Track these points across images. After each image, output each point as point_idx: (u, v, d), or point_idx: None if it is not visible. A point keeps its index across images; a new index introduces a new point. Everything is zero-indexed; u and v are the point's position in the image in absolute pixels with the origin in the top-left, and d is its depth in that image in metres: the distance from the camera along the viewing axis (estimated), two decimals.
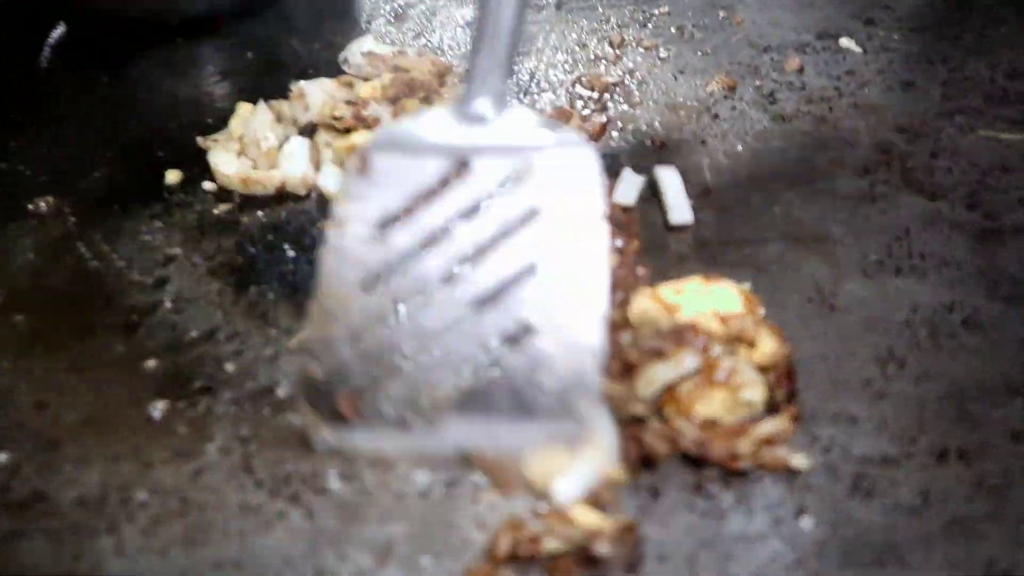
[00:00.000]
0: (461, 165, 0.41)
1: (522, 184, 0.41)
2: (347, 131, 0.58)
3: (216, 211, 0.55)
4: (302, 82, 0.63)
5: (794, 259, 0.47)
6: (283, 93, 0.64)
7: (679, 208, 0.49)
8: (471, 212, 0.40)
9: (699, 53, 0.66)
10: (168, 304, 0.48)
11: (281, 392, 0.42)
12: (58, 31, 0.80)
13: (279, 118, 0.61)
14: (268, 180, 0.56)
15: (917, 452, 0.36)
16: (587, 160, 0.41)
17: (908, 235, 0.48)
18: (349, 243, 0.40)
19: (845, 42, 0.66)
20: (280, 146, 0.58)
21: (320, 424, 0.38)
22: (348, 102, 0.60)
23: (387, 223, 0.41)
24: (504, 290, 0.39)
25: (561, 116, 0.59)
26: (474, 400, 0.37)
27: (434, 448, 0.37)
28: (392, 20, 0.76)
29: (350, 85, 0.63)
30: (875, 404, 0.39)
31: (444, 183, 0.41)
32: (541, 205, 0.40)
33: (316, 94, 0.62)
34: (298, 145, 0.58)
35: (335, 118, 0.58)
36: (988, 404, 0.38)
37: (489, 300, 0.38)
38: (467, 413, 0.37)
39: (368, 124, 0.57)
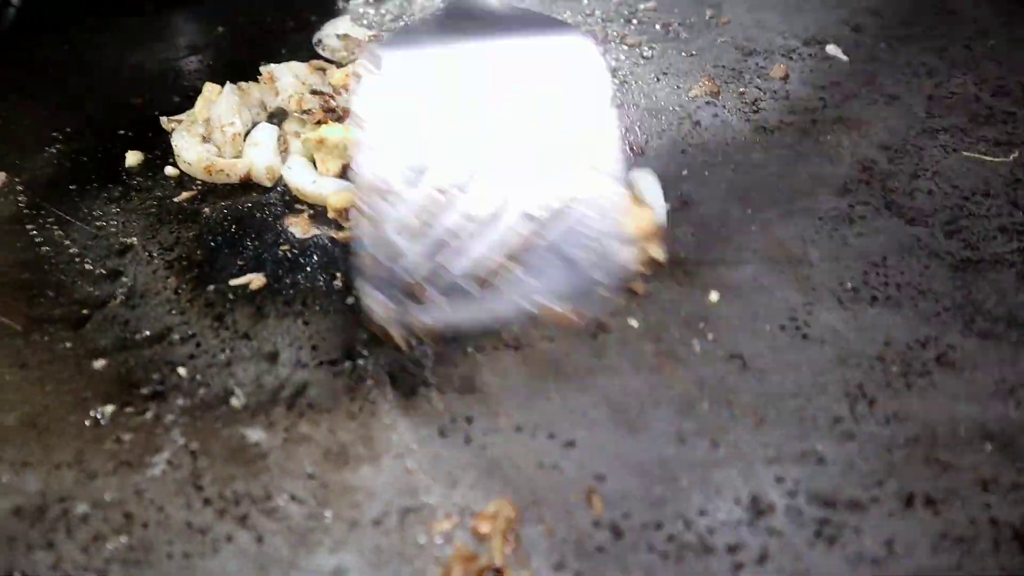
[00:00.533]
0: (472, 58, 0.44)
1: (530, 72, 0.44)
2: (317, 122, 0.56)
3: (177, 199, 0.53)
4: (272, 66, 0.61)
5: (769, 282, 0.45)
6: (254, 73, 0.61)
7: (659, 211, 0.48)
8: (488, 103, 0.43)
9: (683, 54, 0.64)
10: (120, 298, 0.46)
11: (235, 402, 0.40)
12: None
13: (247, 102, 0.59)
14: (232, 170, 0.54)
15: (883, 497, 0.36)
16: (586, 46, 0.45)
17: (885, 262, 0.47)
18: (380, 141, 0.42)
19: (832, 49, 0.64)
20: (246, 133, 0.56)
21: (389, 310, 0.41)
22: (316, 92, 0.58)
23: (413, 119, 0.43)
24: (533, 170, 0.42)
25: None
26: (525, 263, 0.41)
27: (500, 311, 0.40)
28: (370, 1, 0.73)
29: (323, 71, 0.61)
30: (843, 444, 0.38)
31: (458, 75, 0.44)
32: (550, 91, 0.43)
33: (287, 79, 0.60)
34: (265, 133, 0.56)
35: (304, 111, 0.56)
36: (958, 450, 0.37)
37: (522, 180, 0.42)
38: (521, 275, 0.40)
39: (339, 116, 0.55)
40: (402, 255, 0.40)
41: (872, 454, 0.37)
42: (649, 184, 0.50)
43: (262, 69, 0.61)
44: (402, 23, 0.70)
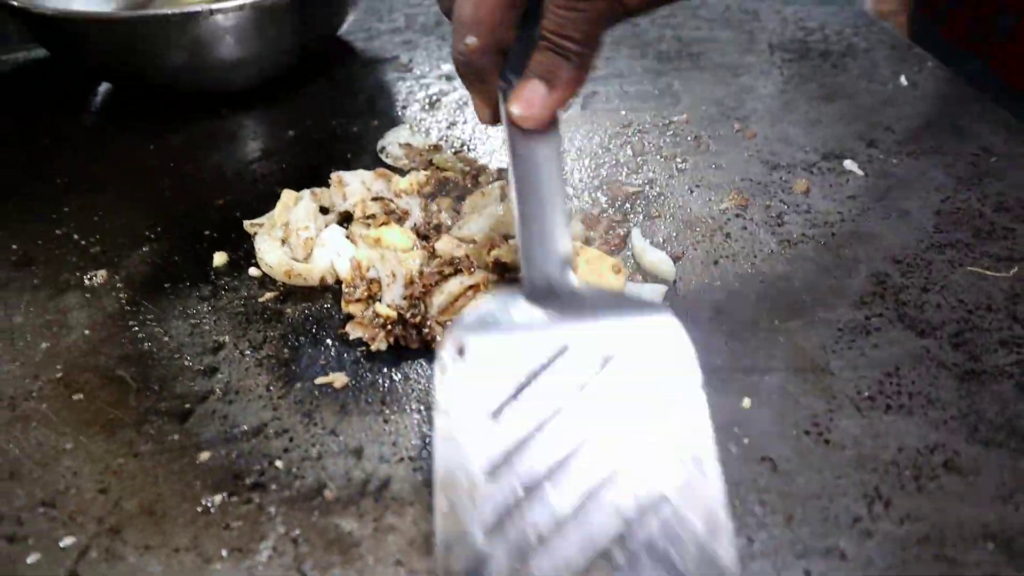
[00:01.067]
0: (557, 344, 0.43)
1: (618, 358, 0.43)
2: (379, 225, 0.62)
3: (261, 299, 0.59)
4: (342, 172, 0.67)
5: (795, 390, 0.51)
6: (323, 176, 0.68)
7: None
8: (576, 390, 0.42)
9: (714, 167, 0.71)
10: (219, 393, 0.52)
11: (328, 494, 0.46)
12: (103, 89, 0.85)
13: (321, 207, 0.65)
14: (309, 273, 0.60)
15: None
16: (673, 327, 0.44)
17: (898, 372, 0.52)
18: (462, 432, 0.41)
19: (849, 164, 0.71)
20: (317, 234, 0.63)
21: None
22: (378, 198, 0.64)
23: (497, 408, 0.41)
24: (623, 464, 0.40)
25: (589, 223, 0.63)
26: (618, 563, 0.38)
27: None
28: (426, 108, 0.80)
29: (387, 178, 0.67)
30: (862, 541, 0.43)
31: (544, 363, 0.42)
32: (639, 377, 0.42)
33: (354, 184, 0.66)
34: (333, 235, 0.62)
35: (368, 216, 0.63)
36: (964, 548, 0.43)
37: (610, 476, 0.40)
38: None
39: (399, 217, 0.62)
40: (485, 560, 0.38)
41: (888, 551, 0.43)
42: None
43: (332, 175, 0.67)
44: (456, 132, 0.77)
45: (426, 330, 0.54)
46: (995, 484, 0.46)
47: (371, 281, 0.57)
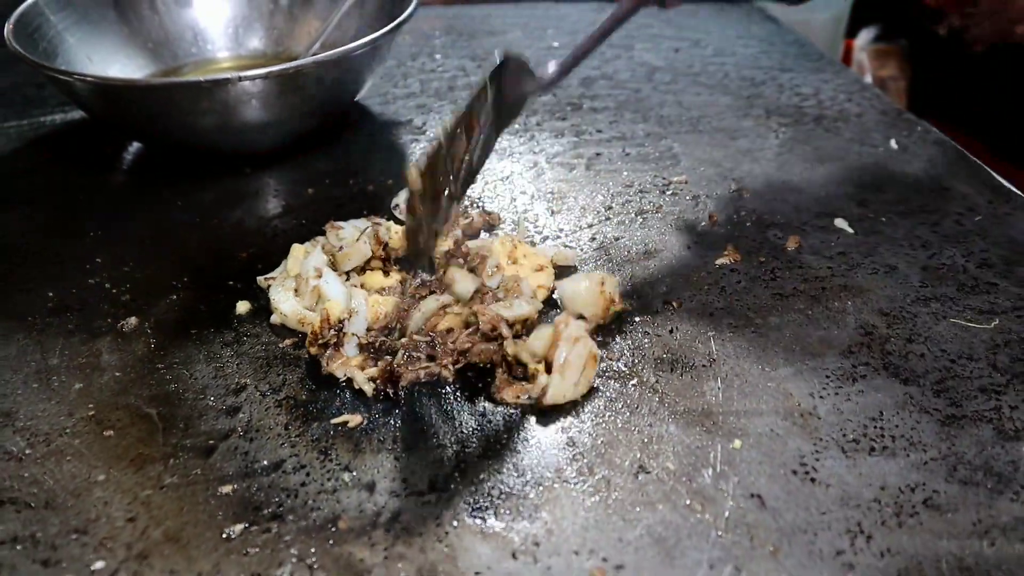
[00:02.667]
0: None
1: None
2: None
3: (281, 345, 0.63)
4: (337, 221, 0.71)
5: (784, 432, 0.54)
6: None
7: None
8: None
9: (710, 225, 0.75)
10: (240, 431, 0.56)
11: (342, 524, 0.49)
12: (134, 149, 0.90)
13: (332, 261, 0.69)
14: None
15: None
16: None
17: (882, 416, 0.55)
18: None
19: (839, 222, 0.75)
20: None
21: None
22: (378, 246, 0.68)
23: None
24: None
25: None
26: None
27: None
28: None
29: (379, 225, 0.71)
30: (845, 574, 0.46)
31: None
32: None
33: (347, 230, 0.70)
34: (329, 280, 0.65)
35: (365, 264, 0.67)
36: None
37: None
38: None
39: (386, 260, 0.67)
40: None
41: None
42: None
43: (328, 224, 0.71)
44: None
45: (404, 361, 0.59)
46: (972, 521, 0.48)
47: (340, 325, 0.61)
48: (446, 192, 0.59)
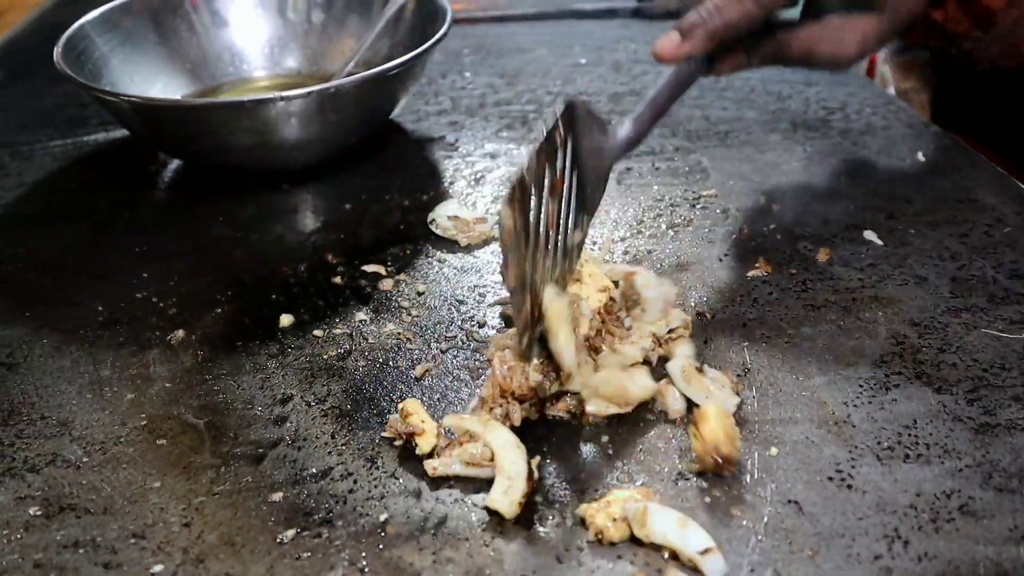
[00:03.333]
0: None
1: None
2: None
3: (325, 356, 0.65)
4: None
5: (819, 440, 0.55)
6: (376, 246, 0.75)
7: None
8: None
9: (741, 238, 0.76)
10: (288, 440, 0.58)
11: (390, 530, 0.50)
12: (174, 167, 0.93)
13: None
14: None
15: None
16: None
17: (916, 425, 0.56)
18: None
19: (869, 235, 0.76)
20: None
21: None
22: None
23: None
24: None
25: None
26: None
27: None
28: (472, 183, 0.87)
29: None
30: None
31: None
32: None
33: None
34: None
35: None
36: None
37: None
38: None
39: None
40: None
41: None
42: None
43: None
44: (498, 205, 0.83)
45: None
46: (1008, 527, 0.49)
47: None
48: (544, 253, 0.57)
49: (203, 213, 0.84)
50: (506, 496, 0.51)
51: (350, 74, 0.93)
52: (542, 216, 0.55)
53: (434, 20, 0.92)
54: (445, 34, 0.88)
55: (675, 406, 0.58)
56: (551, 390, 0.57)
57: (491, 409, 0.57)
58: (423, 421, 0.56)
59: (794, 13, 0.68)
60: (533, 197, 0.54)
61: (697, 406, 0.57)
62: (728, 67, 0.68)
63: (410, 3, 0.99)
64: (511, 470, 0.51)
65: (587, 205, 0.63)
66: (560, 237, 0.60)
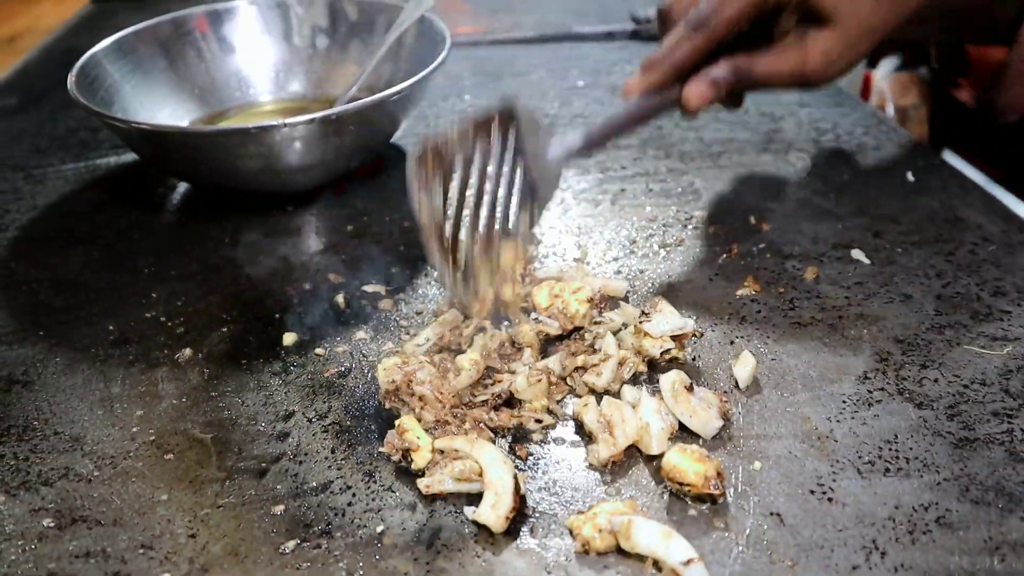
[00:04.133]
0: None
1: None
2: None
3: (326, 374, 0.67)
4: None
5: (801, 454, 0.57)
6: (377, 266, 0.77)
7: None
8: None
9: (731, 258, 0.78)
10: (290, 455, 0.60)
11: (387, 541, 0.53)
12: (182, 190, 0.95)
13: None
14: None
15: None
16: None
17: (897, 440, 0.58)
18: None
19: (856, 253, 0.78)
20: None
21: None
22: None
23: None
24: None
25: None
26: None
27: None
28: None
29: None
30: None
31: None
32: None
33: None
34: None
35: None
36: None
37: None
38: None
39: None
40: None
41: None
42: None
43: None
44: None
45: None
46: (983, 538, 0.51)
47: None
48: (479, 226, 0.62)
49: (210, 235, 0.87)
50: (494, 511, 0.53)
51: (353, 98, 0.96)
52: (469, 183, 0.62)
53: (434, 45, 0.95)
54: (444, 60, 0.91)
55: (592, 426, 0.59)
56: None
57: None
58: (418, 437, 0.58)
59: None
60: (458, 162, 0.61)
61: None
62: (696, 99, 0.68)
63: (412, 29, 1.02)
64: (498, 485, 0.54)
65: (536, 196, 0.66)
66: (496, 211, 0.63)
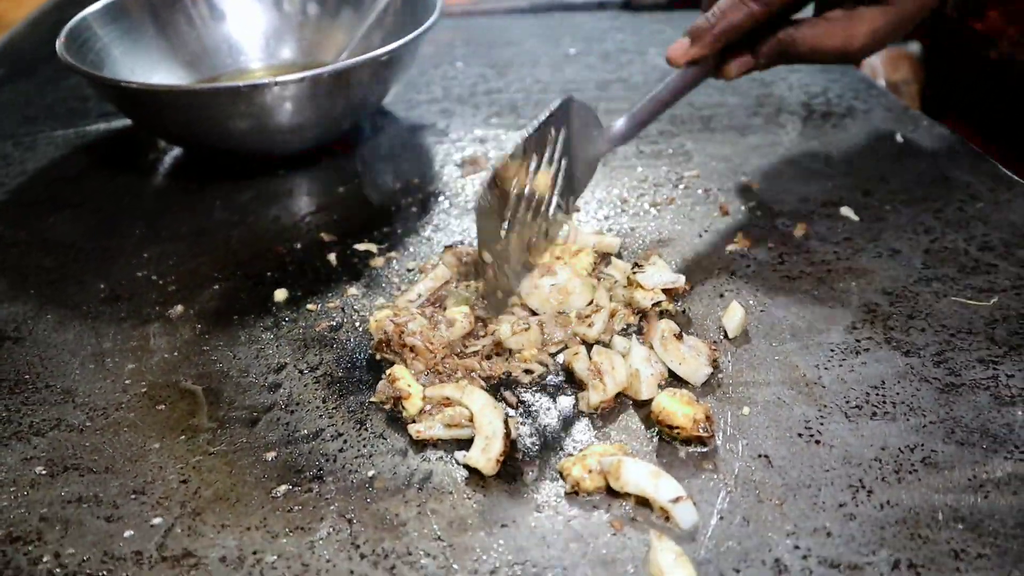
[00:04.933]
0: None
1: None
2: None
3: (318, 328, 0.67)
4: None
5: (790, 400, 0.58)
6: (369, 225, 0.77)
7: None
8: None
9: (721, 215, 0.79)
10: (282, 405, 0.60)
11: (378, 484, 0.53)
12: (173, 154, 0.95)
13: None
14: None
15: (877, 562, 0.47)
16: None
17: (883, 385, 0.59)
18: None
19: (845, 211, 0.78)
20: None
21: None
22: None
23: None
24: None
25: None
26: None
27: None
28: (459, 166, 0.89)
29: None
30: (846, 523, 0.49)
31: None
32: None
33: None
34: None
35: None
36: (937, 529, 0.48)
37: None
38: None
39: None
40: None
41: (869, 530, 0.48)
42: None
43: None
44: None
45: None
46: (967, 476, 0.52)
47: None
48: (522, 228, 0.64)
49: (201, 198, 0.87)
50: (484, 454, 0.53)
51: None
52: (523, 199, 0.63)
53: (425, 11, 0.94)
54: (435, 22, 0.90)
55: (582, 373, 0.60)
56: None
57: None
58: (409, 385, 0.58)
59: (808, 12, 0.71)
60: (516, 180, 0.61)
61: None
62: (736, 68, 0.70)
63: None
64: (488, 430, 0.54)
65: (574, 188, 0.69)
66: (542, 213, 0.66)
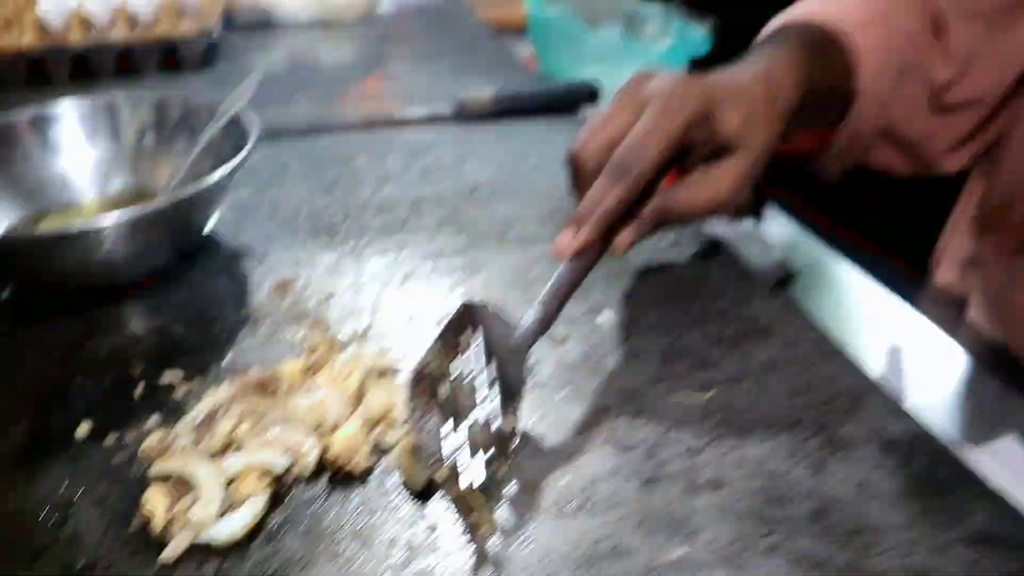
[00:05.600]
0: None
1: None
2: None
3: (112, 462, 0.74)
4: None
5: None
6: (191, 353, 0.85)
7: None
8: None
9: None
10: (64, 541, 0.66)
11: None
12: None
13: None
14: None
15: None
16: None
17: (593, 484, 0.68)
18: None
19: (604, 315, 0.89)
20: None
21: None
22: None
23: None
24: None
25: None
26: None
27: None
28: (271, 291, 0.97)
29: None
30: None
31: None
32: None
33: None
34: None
35: None
36: None
37: None
38: None
39: None
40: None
41: None
42: None
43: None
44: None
45: None
46: (643, 563, 0.61)
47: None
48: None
49: (31, 333, 0.92)
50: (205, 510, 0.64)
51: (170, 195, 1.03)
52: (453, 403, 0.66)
53: (247, 140, 1.02)
54: (245, 159, 0.98)
55: None
56: None
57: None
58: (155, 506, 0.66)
59: None
60: (441, 384, 0.66)
61: None
62: (625, 243, 0.74)
63: (230, 122, 1.09)
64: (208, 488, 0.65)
65: (512, 393, 0.68)
66: (483, 423, 0.66)
